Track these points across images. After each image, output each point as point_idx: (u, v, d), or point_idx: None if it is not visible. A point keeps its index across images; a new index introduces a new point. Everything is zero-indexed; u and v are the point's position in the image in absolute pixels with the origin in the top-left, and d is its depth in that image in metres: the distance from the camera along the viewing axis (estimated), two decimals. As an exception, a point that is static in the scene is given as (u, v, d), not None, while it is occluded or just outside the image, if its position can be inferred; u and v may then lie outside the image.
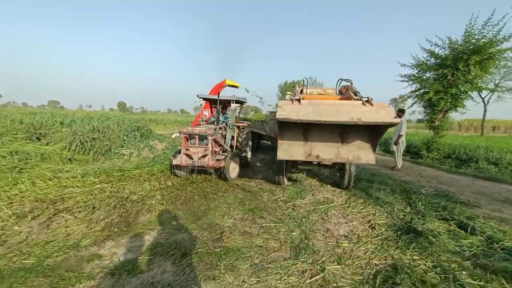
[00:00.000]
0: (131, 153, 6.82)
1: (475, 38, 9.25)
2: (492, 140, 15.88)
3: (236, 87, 11.44)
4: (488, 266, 2.65)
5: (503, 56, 9.09)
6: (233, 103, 6.79)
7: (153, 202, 4.27)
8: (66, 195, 4.36)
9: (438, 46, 10.13)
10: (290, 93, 7.12)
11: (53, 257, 2.65)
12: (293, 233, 3.34)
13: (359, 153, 3.75)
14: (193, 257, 2.70)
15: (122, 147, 6.98)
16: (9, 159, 5.41)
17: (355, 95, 3.99)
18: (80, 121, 9.06)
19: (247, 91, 12.90)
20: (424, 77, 10.43)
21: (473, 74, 9.30)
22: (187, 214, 3.88)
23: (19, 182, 4.63)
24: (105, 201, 4.20)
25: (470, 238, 3.25)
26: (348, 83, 4.46)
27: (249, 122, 7.96)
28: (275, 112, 9.86)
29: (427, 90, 9.89)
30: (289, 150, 3.72)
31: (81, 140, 6.51)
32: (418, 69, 10.82)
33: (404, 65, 11.20)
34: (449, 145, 10.52)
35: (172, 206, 4.18)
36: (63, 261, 2.61)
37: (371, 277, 2.47)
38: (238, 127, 7.25)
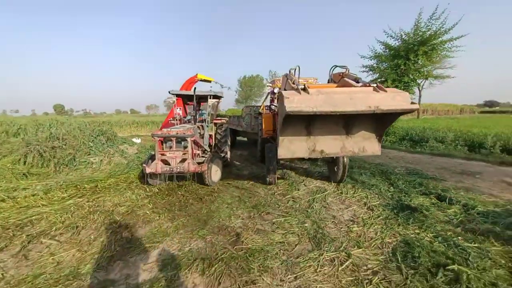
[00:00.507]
0: (101, 160, 6.03)
1: (422, 30, 10.50)
2: (427, 121, 18.41)
3: (209, 81, 10.92)
4: (475, 229, 3.10)
5: (444, 46, 10.51)
6: (210, 98, 6.23)
7: (147, 212, 3.90)
8: (33, 217, 3.69)
9: (392, 38, 11.25)
10: (270, 84, 6.83)
11: (54, 293, 2.23)
12: (306, 225, 3.41)
13: (364, 145, 3.46)
14: (220, 264, 2.55)
15: (89, 154, 6.11)
16: None
17: (357, 82, 3.63)
18: (33, 129, 7.58)
19: (222, 86, 12.35)
20: (382, 67, 11.50)
21: (420, 63, 10.59)
22: (191, 220, 3.64)
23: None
24: (88, 217, 3.68)
25: (451, 207, 3.75)
26: (344, 70, 4.09)
27: (226, 119, 7.65)
28: (252, 106, 9.57)
29: (384, 79, 10.90)
30: (291, 147, 3.30)
31: (38, 151, 5.48)
32: (376, 60, 11.92)
33: (364, 56, 12.21)
34: (402, 128, 11.87)
35: (170, 213, 3.87)
36: (69, 295, 2.21)
37: (391, 254, 2.67)
38: (215, 124, 6.75)
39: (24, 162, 5.36)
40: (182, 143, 4.86)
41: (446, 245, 2.78)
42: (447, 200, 4.01)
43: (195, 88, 6.42)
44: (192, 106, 6.89)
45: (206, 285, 2.28)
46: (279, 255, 2.73)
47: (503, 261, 2.47)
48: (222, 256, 2.69)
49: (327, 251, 2.74)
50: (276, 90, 6.47)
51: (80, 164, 5.80)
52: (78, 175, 5.57)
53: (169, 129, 4.90)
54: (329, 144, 3.40)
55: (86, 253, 2.83)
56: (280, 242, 2.99)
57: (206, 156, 5.41)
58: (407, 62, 10.45)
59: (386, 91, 2.87)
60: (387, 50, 11.60)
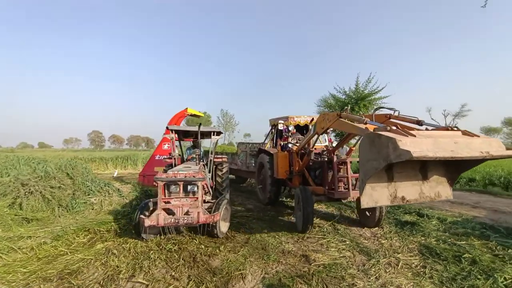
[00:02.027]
0: (101, 200, 5.49)
1: (360, 90, 13.89)
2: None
3: (199, 116, 10.84)
4: (456, 233, 4.45)
5: (376, 102, 14.02)
6: (214, 135, 5.73)
7: (201, 246, 3.96)
8: (72, 266, 3.32)
9: (339, 93, 14.44)
10: (282, 122, 6.44)
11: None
12: (346, 242, 4.15)
13: (439, 189, 3.25)
14: (316, 277, 3.03)
15: (88, 195, 5.48)
16: None
17: (420, 124, 3.40)
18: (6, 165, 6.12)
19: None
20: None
21: (361, 113, 13.76)
22: (251, 250, 3.91)
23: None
24: (138, 258, 3.52)
25: (432, 220, 5.15)
26: (391, 112, 3.78)
27: (226, 157, 7.03)
28: (248, 143, 9.76)
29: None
30: (374, 194, 2.94)
31: (40, 192, 4.66)
32: (328, 109, 14.82)
33: (319, 106, 15.10)
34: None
35: (230, 244, 4.03)
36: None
37: (421, 254, 3.66)
38: (214, 163, 5.91)
39: (20, 206, 4.47)
40: (189, 187, 4.16)
41: (448, 245, 3.96)
42: (425, 216, 5.44)
43: (200, 124, 6.09)
44: (194, 143, 6.71)
45: (318, 294, 2.74)
46: (349, 265, 3.38)
47: (484, 250, 3.76)
48: (311, 272, 3.17)
49: (379, 259, 3.54)
50: (291, 128, 6.53)
51: (80, 206, 5.18)
52: (81, 217, 4.99)
53: (175, 171, 4.21)
54: (409, 190, 3.12)
55: (188, 286, 2.86)
56: (342, 257, 3.64)
57: (211, 201, 4.70)
58: (352, 112, 13.69)
59: (478, 136, 2.79)
60: (337, 102, 14.71)
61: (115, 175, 13.12)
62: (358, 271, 3.23)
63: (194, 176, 4.08)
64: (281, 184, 6.42)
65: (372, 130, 2.86)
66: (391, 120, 3.73)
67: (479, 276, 2.97)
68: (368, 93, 13.81)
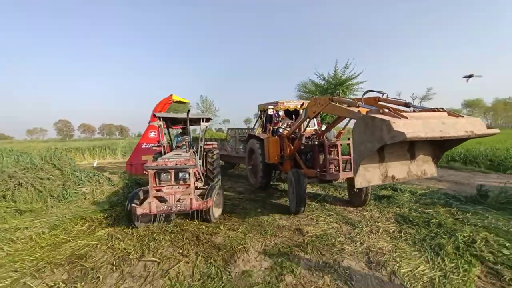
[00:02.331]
0: (93, 190, 5.45)
1: (338, 76, 14.42)
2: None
3: (184, 103, 10.59)
4: (425, 203, 5.12)
5: (353, 87, 14.69)
6: (203, 121, 5.76)
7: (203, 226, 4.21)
8: (79, 251, 3.43)
9: (319, 78, 14.91)
10: (272, 107, 6.43)
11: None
12: (333, 216, 4.63)
13: (425, 168, 3.36)
14: (310, 246, 3.44)
15: (79, 185, 5.39)
16: None
17: (408, 106, 3.50)
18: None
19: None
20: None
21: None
22: (249, 227, 4.24)
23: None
24: (156, 238, 3.70)
25: (405, 194, 5.81)
26: (380, 95, 3.82)
27: (216, 144, 6.82)
28: (237, 129, 9.77)
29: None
30: (367, 174, 3.04)
31: (31, 184, 4.50)
32: (308, 94, 15.31)
33: (299, 91, 15.54)
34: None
35: (228, 223, 4.32)
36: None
37: (397, 222, 4.22)
38: (205, 149, 6.04)
39: (11, 198, 4.32)
40: (180, 175, 4.15)
41: (419, 213, 4.58)
42: (398, 190, 6.11)
43: (189, 110, 6.07)
44: (183, 130, 6.66)
45: (312, 258, 3.15)
46: (338, 234, 3.84)
47: (448, 215, 4.42)
48: (306, 242, 3.58)
49: (362, 228, 4.04)
50: (281, 113, 6.53)
51: (72, 196, 5.11)
52: (75, 207, 4.97)
53: (165, 159, 4.20)
54: (398, 169, 3.22)
55: (198, 261, 3.12)
56: (330, 228, 4.09)
57: (203, 187, 4.70)
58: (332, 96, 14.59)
59: (462, 116, 2.88)
60: (317, 87, 15.22)
61: (94, 165, 12.69)
62: (346, 238, 3.69)
63: (185, 164, 4.08)
64: (272, 169, 6.54)
65: (364, 113, 2.89)
66: (380, 102, 3.76)
67: (444, 236, 3.55)
68: (346, 78, 14.43)
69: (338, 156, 4.84)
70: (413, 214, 4.47)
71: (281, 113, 6.51)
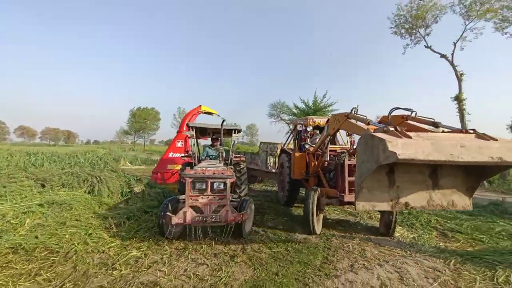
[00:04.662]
0: (143, 190, 6.29)
1: (316, 103, 17.32)
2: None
3: (212, 114, 10.11)
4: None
5: (329, 112, 17.65)
6: (234, 133, 5.72)
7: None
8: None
9: (303, 103, 17.64)
10: (301, 122, 6.35)
11: None
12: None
13: (453, 198, 2.99)
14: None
15: (130, 185, 6.18)
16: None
17: (436, 127, 3.23)
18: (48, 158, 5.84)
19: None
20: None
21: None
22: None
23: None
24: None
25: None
26: (408, 113, 3.55)
27: (244, 157, 6.68)
28: (269, 143, 9.88)
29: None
30: (371, 197, 2.81)
31: (106, 181, 5.20)
32: (292, 116, 17.87)
33: (284, 112, 18.05)
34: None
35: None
36: None
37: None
38: (232, 161, 5.80)
39: (90, 193, 5.01)
40: (215, 185, 4.05)
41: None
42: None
43: (223, 120, 5.68)
44: (213, 141, 6.49)
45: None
46: (347, 219, 5.63)
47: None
48: (328, 221, 5.28)
49: (363, 216, 5.92)
50: (309, 129, 6.36)
51: (128, 194, 5.94)
52: (143, 203, 5.80)
53: (203, 168, 4.25)
54: (414, 196, 2.92)
55: None
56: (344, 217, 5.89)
57: (236, 200, 4.41)
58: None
59: (496, 139, 2.53)
60: (299, 111, 17.96)
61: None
62: (354, 220, 5.52)
63: (222, 173, 4.05)
64: (298, 185, 6.37)
65: (372, 131, 2.77)
66: (408, 121, 3.55)
67: (413, 219, 5.58)
68: (323, 105, 17.45)
69: None
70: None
71: (309, 129, 6.39)
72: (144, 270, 3.16)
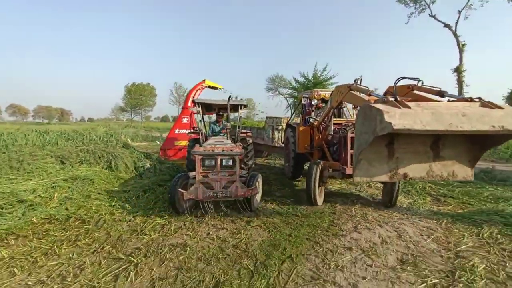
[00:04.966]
0: (154, 165, 6.57)
1: (316, 77, 17.16)
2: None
3: (217, 88, 10.02)
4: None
5: (329, 86, 17.59)
6: (240, 108, 5.80)
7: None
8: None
9: (302, 77, 17.51)
10: (306, 96, 6.30)
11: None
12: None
13: (454, 169, 2.94)
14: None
15: (141, 161, 6.43)
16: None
17: (442, 96, 3.14)
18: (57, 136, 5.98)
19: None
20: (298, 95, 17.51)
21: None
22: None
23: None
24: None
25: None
26: (414, 82, 3.46)
27: (250, 132, 6.74)
28: (275, 117, 9.46)
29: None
30: (370, 169, 2.79)
31: (122, 157, 5.44)
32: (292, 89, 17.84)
33: (285, 86, 17.94)
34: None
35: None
36: None
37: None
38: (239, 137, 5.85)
39: (108, 169, 5.29)
40: (224, 161, 4.16)
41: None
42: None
43: (230, 96, 5.67)
44: (218, 116, 6.50)
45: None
46: (349, 189, 6.05)
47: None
48: (332, 191, 5.69)
49: (363, 185, 6.34)
50: (314, 102, 6.33)
51: (141, 170, 6.23)
52: (146, 178, 6.13)
53: (211, 145, 4.35)
54: (414, 167, 2.89)
55: None
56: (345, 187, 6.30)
57: (244, 175, 4.52)
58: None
59: (502, 107, 2.43)
60: (299, 85, 17.88)
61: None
62: (355, 190, 5.94)
63: (231, 150, 4.16)
64: (303, 159, 6.44)
65: (373, 102, 2.71)
66: (414, 91, 3.45)
67: (409, 187, 6.03)
68: (323, 79, 17.27)
69: None
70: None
71: (314, 102, 6.35)
72: (171, 234, 3.54)
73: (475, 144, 2.95)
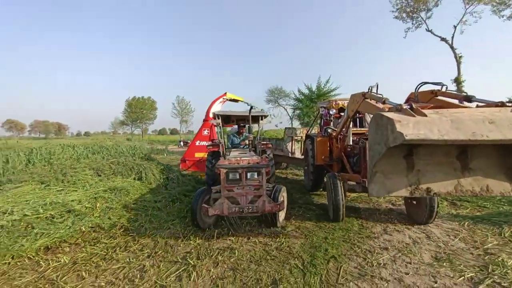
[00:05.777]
0: (177, 177, 6.81)
1: (320, 89, 17.80)
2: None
3: (238, 101, 9.98)
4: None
5: (333, 97, 18.21)
6: (261, 119, 5.68)
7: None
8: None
9: (307, 89, 18.13)
10: (324, 106, 6.14)
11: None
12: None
13: (488, 183, 2.53)
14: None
15: (163, 173, 6.68)
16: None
17: (469, 101, 2.85)
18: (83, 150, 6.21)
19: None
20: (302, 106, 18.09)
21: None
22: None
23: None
24: None
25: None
26: (438, 87, 3.25)
27: (270, 144, 6.24)
28: (295, 128, 9.30)
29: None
30: (387, 183, 2.50)
31: (151, 169, 5.69)
32: (297, 101, 18.45)
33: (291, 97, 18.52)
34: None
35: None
36: None
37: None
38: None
39: (139, 180, 5.52)
40: (249, 175, 3.90)
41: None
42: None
43: (251, 107, 5.58)
44: (239, 128, 6.39)
45: (366, 205, 5.51)
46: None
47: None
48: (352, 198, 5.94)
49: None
50: (332, 112, 6.10)
51: (165, 181, 6.46)
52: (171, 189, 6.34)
53: (237, 158, 4.17)
54: (439, 181, 2.57)
55: None
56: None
57: (269, 189, 4.20)
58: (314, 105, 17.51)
59: None
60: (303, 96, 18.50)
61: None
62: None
63: (257, 163, 3.96)
64: (323, 171, 6.10)
65: (387, 110, 2.55)
66: (438, 97, 3.25)
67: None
68: (327, 90, 17.95)
69: None
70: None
71: (332, 112, 6.09)
72: (214, 240, 3.75)
73: (508, 156, 2.53)
